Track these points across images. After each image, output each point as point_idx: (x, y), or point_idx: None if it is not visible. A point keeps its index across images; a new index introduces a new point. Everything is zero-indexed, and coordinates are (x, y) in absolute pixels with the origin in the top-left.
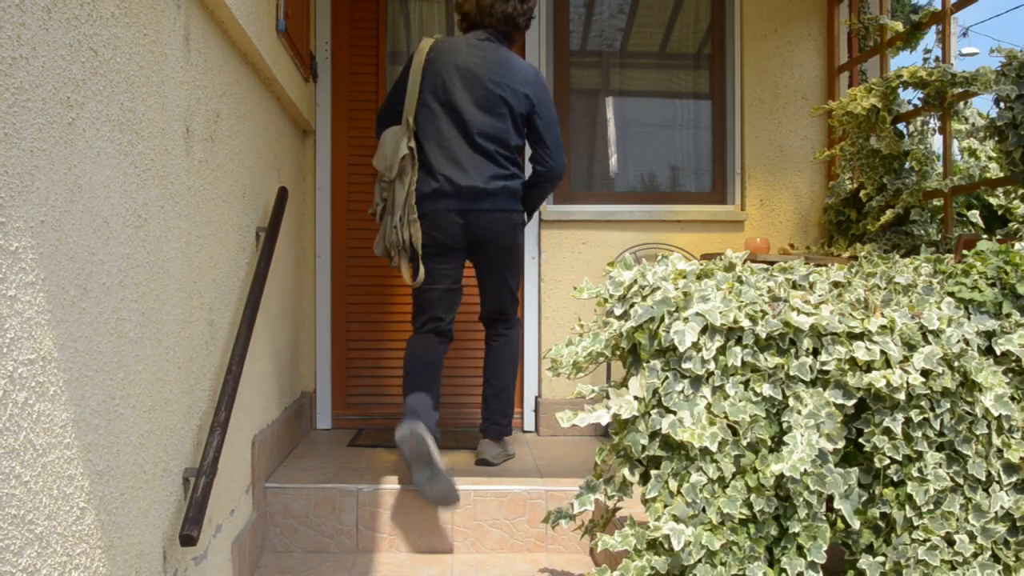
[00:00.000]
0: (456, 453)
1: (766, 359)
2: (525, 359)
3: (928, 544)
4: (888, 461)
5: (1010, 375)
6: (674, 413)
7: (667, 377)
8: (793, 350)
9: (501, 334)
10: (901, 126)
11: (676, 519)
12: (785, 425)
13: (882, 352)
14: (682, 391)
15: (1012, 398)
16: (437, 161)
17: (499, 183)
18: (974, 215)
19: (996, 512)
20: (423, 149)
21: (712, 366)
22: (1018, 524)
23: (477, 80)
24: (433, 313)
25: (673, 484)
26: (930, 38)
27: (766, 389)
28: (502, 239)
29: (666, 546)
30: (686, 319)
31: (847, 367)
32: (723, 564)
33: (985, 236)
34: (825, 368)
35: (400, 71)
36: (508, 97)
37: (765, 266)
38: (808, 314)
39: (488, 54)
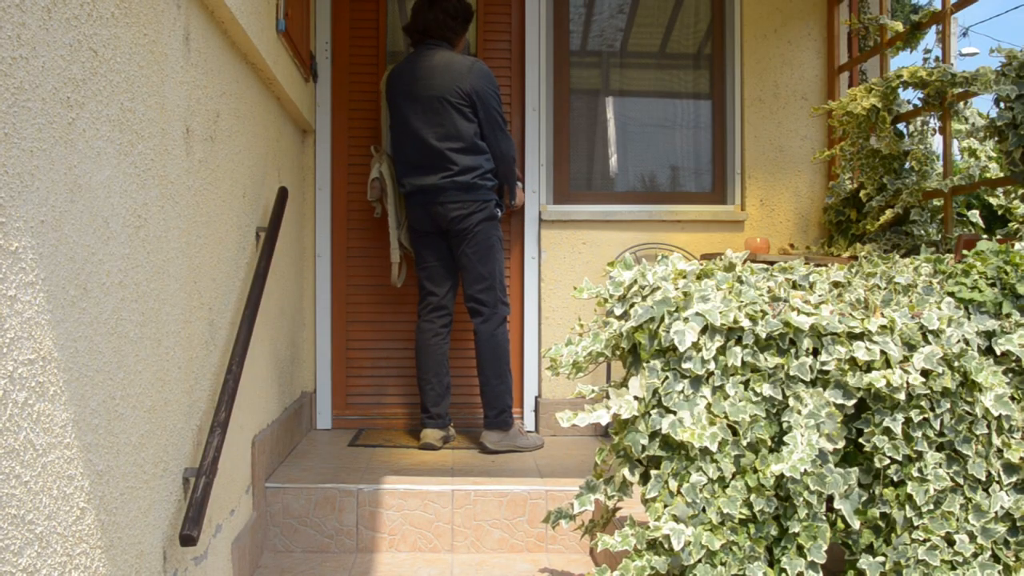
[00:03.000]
0: (460, 452)
1: (766, 359)
2: (525, 359)
3: (928, 544)
4: (888, 461)
5: (1010, 375)
6: (674, 413)
7: (667, 377)
8: (793, 350)
9: (476, 330)
10: (901, 126)
11: (676, 519)
12: (785, 425)
13: (882, 352)
14: (682, 391)
15: (1012, 398)
16: (402, 173)
17: (448, 180)
18: (974, 215)
19: (996, 512)
20: (398, 165)
21: (712, 366)
22: (1018, 524)
23: (418, 93)
24: (429, 289)
25: (673, 484)
26: (930, 38)
27: (766, 389)
28: (457, 223)
29: (666, 546)
30: (686, 319)
31: (847, 367)
32: (723, 564)
33: (985, 236)
34: (825, 368)
35: None
36: (447, 96)
37: (765, 266)
38: (808, 314)
39: (426, 63)
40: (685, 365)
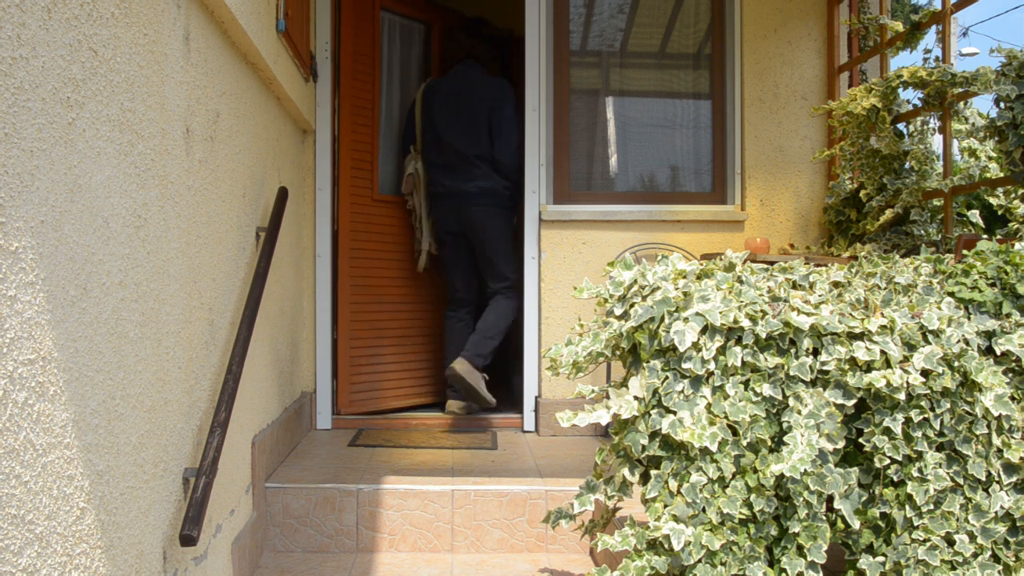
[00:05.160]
0: (459, 452)
1: (766, 359)
2: (525, 359)
3: (928, 544)
4: (888, 461)
5: (1010, 375)
6: (674, 413)
7: (667, 377)
8: (793, 350)
9: (496, 298)
10: (901, 126)
11: (676, 519)
12: (785, 425)
13: (882, 352)
14: (682, 391)
15: (1012, 398)
16: (437, 173)
17: (474, 184)
18: (974, 215)
19: (996, 512)
20: (430, 166)
21: (712, 366)
22: (1018, 524)
23: (455, 106)
24: (451, 283)
25: (673, 484)
26: (930, 38)
27: (766, 389)
28: (481, 224)
29: (666, 546)
30: (686, 319)
31: (847, 367)
32: (723, 564)
33: (985, 236)
34: (825, 368)
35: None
36: (477, 113)
37: (765, 266)
38: (808, 314)
39: (463, 81)
40: (685, 365)
